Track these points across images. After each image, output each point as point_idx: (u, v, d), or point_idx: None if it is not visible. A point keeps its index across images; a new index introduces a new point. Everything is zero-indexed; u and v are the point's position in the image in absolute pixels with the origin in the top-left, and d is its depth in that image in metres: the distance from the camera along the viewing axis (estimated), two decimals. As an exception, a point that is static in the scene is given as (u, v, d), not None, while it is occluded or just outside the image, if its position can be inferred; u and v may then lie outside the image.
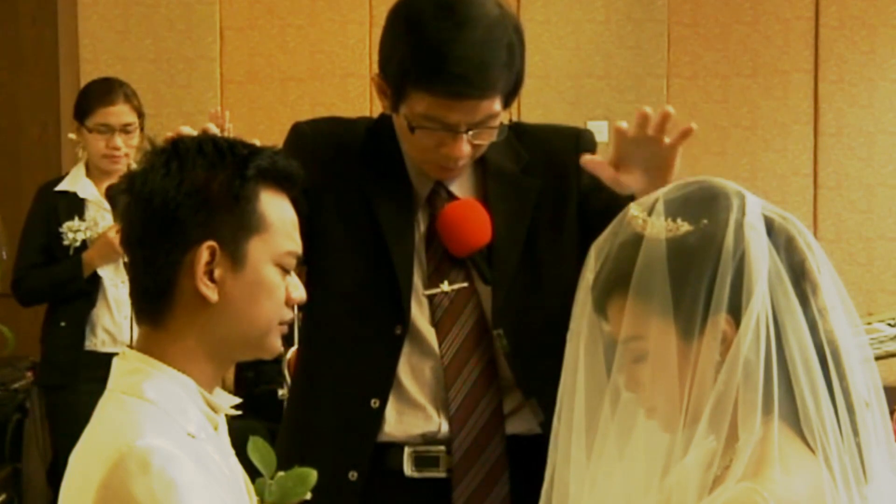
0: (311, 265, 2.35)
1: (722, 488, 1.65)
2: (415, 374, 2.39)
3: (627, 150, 2.23)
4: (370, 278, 2.39)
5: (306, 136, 2.44)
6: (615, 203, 2.24)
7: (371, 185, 2.40)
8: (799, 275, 1.71)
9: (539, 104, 5.77)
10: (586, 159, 2.27)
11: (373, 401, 2.38)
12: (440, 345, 2.38)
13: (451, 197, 2.40)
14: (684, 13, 5.92)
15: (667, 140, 2.22)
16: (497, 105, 2.28)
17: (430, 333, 2.39)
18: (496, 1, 2.30)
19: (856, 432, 1.69)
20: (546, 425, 2.32)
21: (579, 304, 1.84)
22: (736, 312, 1.68)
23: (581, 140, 2.48)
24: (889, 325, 4.17)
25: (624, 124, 2.19)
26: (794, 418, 1.67)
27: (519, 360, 2.37)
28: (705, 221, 1.71)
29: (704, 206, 1.72)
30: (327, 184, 2.37)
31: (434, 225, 2.39)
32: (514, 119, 2.46)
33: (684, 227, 1.71)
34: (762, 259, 1.68)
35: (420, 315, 2.39)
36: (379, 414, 2.37)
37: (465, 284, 2.39)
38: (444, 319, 2.39)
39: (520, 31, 2.32)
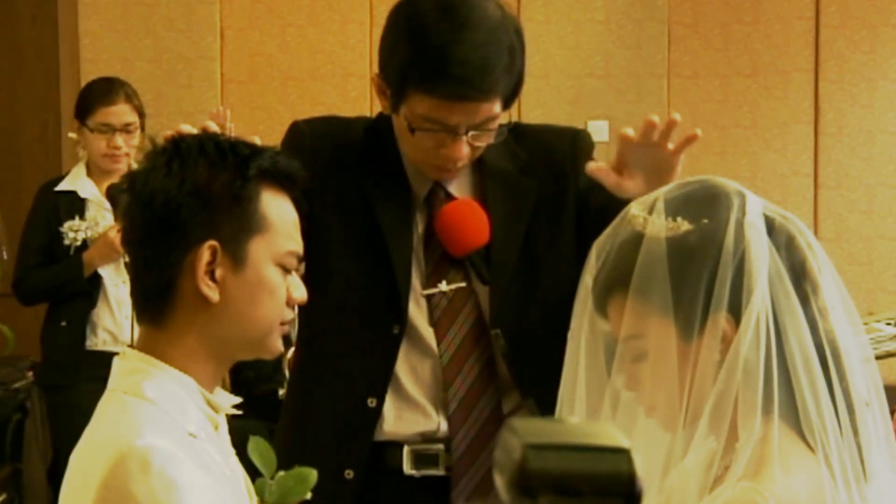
0: (308, 264, 2.36)
1: (722, 488, 1.65)
2: (413, 374, 2.39)
3: (631, 155, 2.23)
4: (368, 278, 2.39)
5: (304, 135, 2.44)
6: (612, 203, 2.25)
7: (369, 184, 2.40)
8: (799, 274, 1.71)
9: (539, 104, 5.77)
10: (591, 167, 2.27)
11: (370, 400, 2.38)
12: (438, 344, 2.39)
13: (450, 197, 2.41)
14: (685, 13, 5.92)
15: (670, 146, 2.22)
16: (497, 107, 2.28)
17: (428, 333, 2.39)
18: (497, 3, 2.31)
19: (856, 432, 1.69)
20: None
21: (580, 303, 1.84)
22: (736, 311, 1.68)
23: (578, 141, 2.48)
24: (889, 324, 4.17)
25: (629, 131, 2.19)
26: (794, 418, 1.67)
27: (516, 361, 2.37)
28: (706, 220, 1.71)
29: (705, 205, 1.72)
30: (325, 183, 2.37)
31: (432, 225, 2.39)
32: (514, 119, 2.46)
33: (685, 225, 1.71)
34: (762, 258, 1.69)
35: (418, 315, 2.39)
36: (376, 413, 2.38)
37: (464, 284, 2.39)
38: (442, 319, 2.39)
39: (520, 33, 2.32)
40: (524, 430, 0.95)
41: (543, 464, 0.92)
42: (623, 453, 0.93)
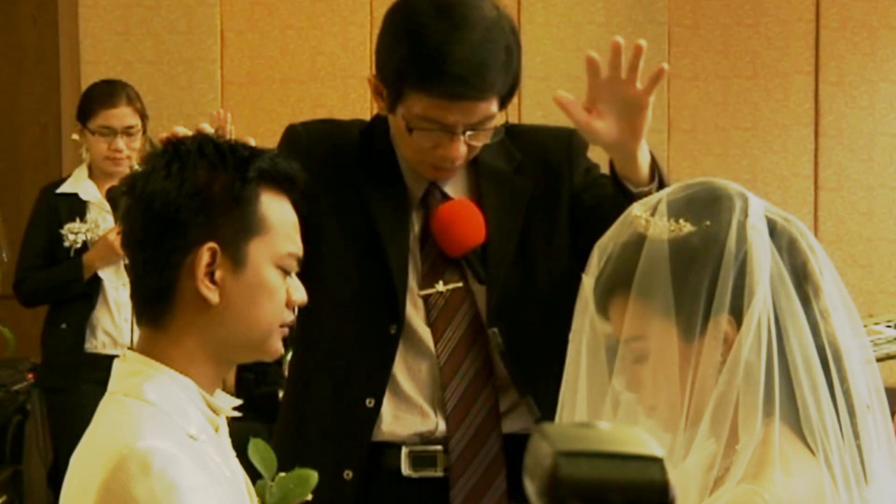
0: (305, 265, 2.36)
1: (722, 490, 1.65)
2: (411, 374, 2.39)
3: (601, 92, 2.23)
4: (365, 279, 2.40)
5: (301, 137, 2.45)
6: (606, 200, 2.26)
7: (366, 185, 2.41)
8: (801, 277, 1.71)
9: (539, 105, 5.77)
10: (559, 97, 2.26)
11: (368, 400, 2.38)
12: (436, 344, 2.39)
13: (445, 197, 2.41)
14: (685, 15, 5.92)
15: (639, 85, 2.24)
16: (494, 106, 2.28)
17: (425, 333, 2.40)
18: (493, 3, 2.32)
19: (856, 434, 1.69)
20: (541, 423, 2.32)
21: (581, 303, 1.84)
22: (737, 313, 1.68)
23: (573, 140, 2.48)
24: (889, 326, 4.17)
25: (594, 55, 2.21)
26: (794, 420, 1.67)
27: (513, 359, 2.38)
28: (708, 222, 1.71)
29: (707, 207, 1.72)
30: (322, 185, 2.37)
31: (428, 225, 2.40)
32: (512, 120, 2.46)
33: (687, 227, 1.71)
34: (764, 260, 1.69)
35: (415, 315, 2.40)
36: (374, 413, 2.38)
37: (460, 284, 2.40)
38: (439, 319, 2.39)
39: (516, 33, 2.33)
40: (555, 435, 0.93)
41: (575, 471, 0.91)
42: (656, 462, 0.92)
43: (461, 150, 2.30)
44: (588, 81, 2.22)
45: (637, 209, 1.77)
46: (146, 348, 1.74)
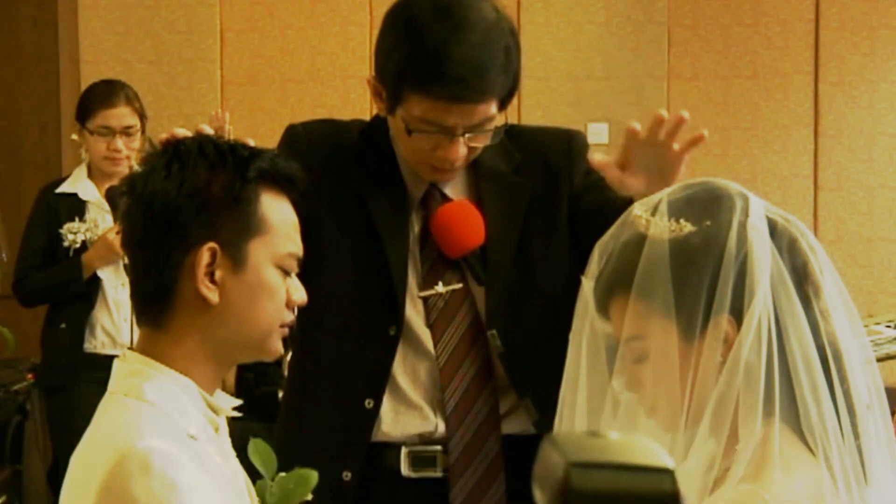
0: (305, 266, 2.36)
1: (722, 490, 1.65)
2: (411, 375, 2.39)
3: (636, 152, 2.24)
4: (365, 280, 2.40)
5: (301, 138, 2.45)
6: (607, 203, 2.26)
7: (365, 186, 2.41)
8: (801, 277, 1.71)
9: (539, 106, 5.77)
10: (595, 159, 2.29)
11: (367, 401, 2.38)
12: (435, 346, 2.39)
13: (445, 198, 2.41)
14: (685, 15, 5.93)
15: (676, 146, 2.24)
16: (493, 108, 2.28)
17: (424, 334, 2.40)
18: (492, 4, 2.31)
19: (856, 434, 1.69)
20: (540, 425, 2.33)
21: (581, 303, 1.84)
22: (738, 313, 1.68)
23: (573, 141, 2.49)
24: (889, 327, 4.17)
25: (636, 125, 2.21)
26: (794, 420, 1.67)
27: (513, 360, 2.38)
28: (708, 222, 1.71)
29: (708, 207, 1.72)
30: (322, 185, 2.37)
31: (428, 226, 2.39)
32: (512, 120, 2.46)
33: (687, 227, 1.71)
34: (765, 260, 1.69)
35: (415, 316, 2.40)
36: (373, 414, 2.38)
37: (460, 285, 2.40)
38: (438, 320, 2.39)
39: (515, 35, 2.33)
40: (566, 446, 0.93)
41: (587, 483, 0.91)
42: (667, 473, 0.92)
43: (461, 151, 2.30)
44: (624, 143, 2.24)
45: (637, 209, 1.77)
46: (146, 348, 1.74)
